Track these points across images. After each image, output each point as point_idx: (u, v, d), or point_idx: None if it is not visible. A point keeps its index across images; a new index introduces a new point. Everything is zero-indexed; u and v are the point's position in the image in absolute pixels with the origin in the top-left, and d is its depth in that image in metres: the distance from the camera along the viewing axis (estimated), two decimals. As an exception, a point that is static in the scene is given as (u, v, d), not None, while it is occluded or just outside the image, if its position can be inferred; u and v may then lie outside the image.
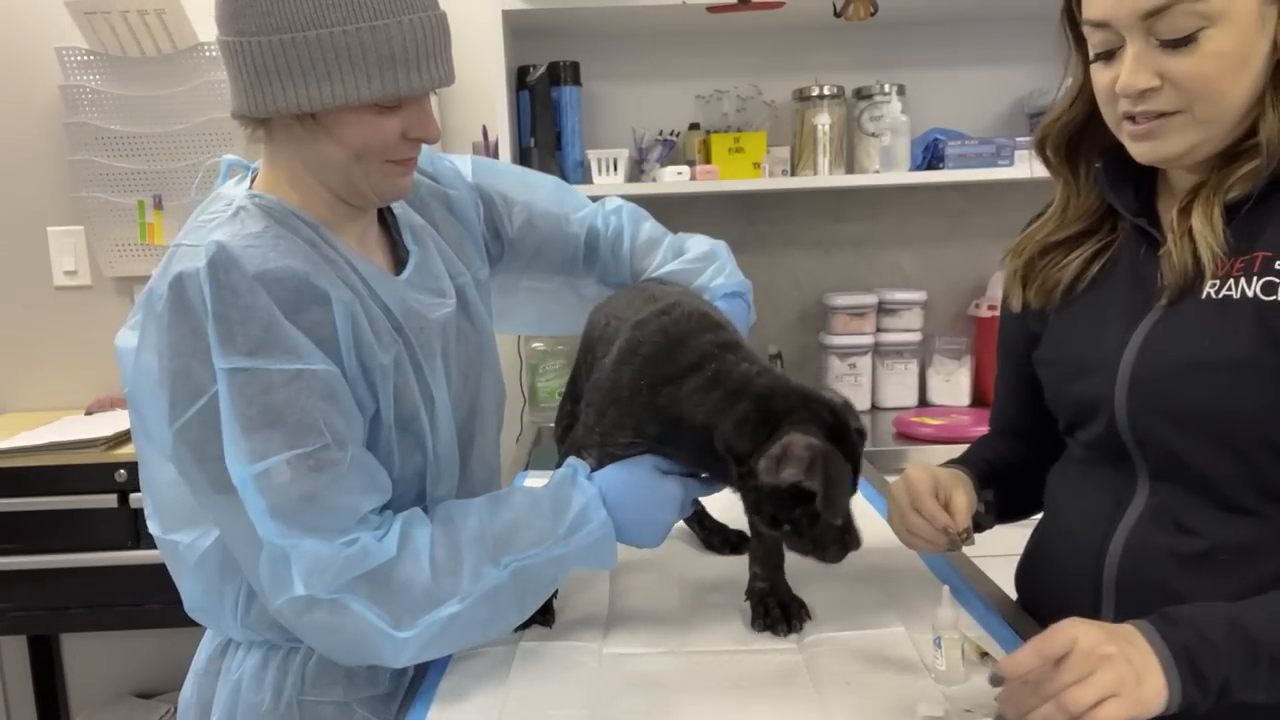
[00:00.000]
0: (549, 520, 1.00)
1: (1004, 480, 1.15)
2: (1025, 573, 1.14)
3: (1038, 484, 1.12)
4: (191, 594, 1.10)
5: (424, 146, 1.19)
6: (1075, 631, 0.78)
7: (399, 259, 1.13)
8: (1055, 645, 0.78)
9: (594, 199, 1.41)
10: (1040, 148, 1.07)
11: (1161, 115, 0.90)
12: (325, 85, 0.94)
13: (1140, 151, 0.94)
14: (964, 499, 1.06)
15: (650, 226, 1.38)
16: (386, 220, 1.14)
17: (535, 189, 1.33)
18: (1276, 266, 0.87)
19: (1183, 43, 0.86)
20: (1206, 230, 0.90)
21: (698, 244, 1.36)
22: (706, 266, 1.33)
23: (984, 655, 0.95)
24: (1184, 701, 0.77)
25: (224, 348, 0.91)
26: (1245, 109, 0.89)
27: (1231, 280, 0.90)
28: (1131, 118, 0.92)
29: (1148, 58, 0.88)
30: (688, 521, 1.33)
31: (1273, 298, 0.87)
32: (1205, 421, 0.91)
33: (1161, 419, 0.93)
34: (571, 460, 1.07)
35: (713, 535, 1.32)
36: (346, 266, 1.02)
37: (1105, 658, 0.76)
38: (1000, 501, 1.12)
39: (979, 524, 1.08)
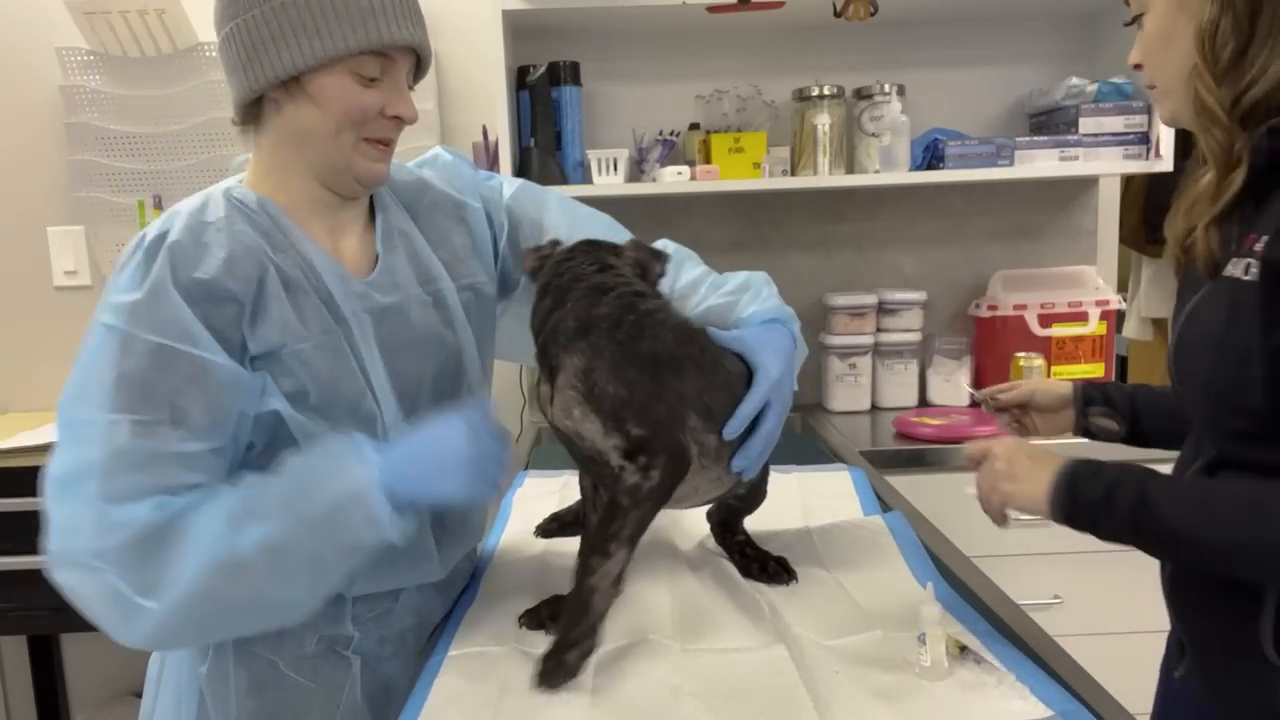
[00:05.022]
0: (304, 476, 0.96)
1: (1140, 412, 1.26)
2: None
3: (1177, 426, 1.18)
4: None
5: (461, 164, 1.27)
6: (991, 445, 1.05)
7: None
8: (975, 451, 1.08)
9: (594, 200, 1.40)
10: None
11: (1153, 87, 1.06)
12: (314, 41, 1.01)
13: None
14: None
15: (693, 267, 1.31)
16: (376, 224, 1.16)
17: (579, 224, 1.29)
18: (1256, 248, 0.91)
19: (1138, 24, 1.04)
20: (1201, 238, 0.99)
21: (735, 277, 1.29)
22: (741, 296, 1.25)
23: (963, 649, 0.97)
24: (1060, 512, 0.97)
25: (112, 306, 0.98)
26: (1190, 85, 0.99)
27: (1236, 260, 0.96)
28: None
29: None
30: (726, 548, 1.26)
31: (1249, 277, 0.91)
32: (1206, 393, 0.98)
33: (1183, 389, 1.03)
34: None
35: (751, 563, 1.23)
36: (297, 256, 1.06)
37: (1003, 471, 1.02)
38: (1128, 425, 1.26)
39: (1093, 428, 1.27)
